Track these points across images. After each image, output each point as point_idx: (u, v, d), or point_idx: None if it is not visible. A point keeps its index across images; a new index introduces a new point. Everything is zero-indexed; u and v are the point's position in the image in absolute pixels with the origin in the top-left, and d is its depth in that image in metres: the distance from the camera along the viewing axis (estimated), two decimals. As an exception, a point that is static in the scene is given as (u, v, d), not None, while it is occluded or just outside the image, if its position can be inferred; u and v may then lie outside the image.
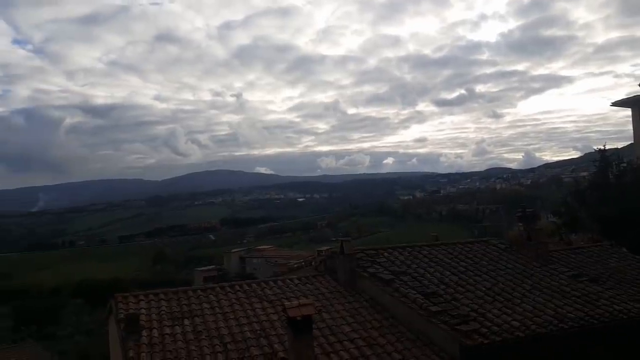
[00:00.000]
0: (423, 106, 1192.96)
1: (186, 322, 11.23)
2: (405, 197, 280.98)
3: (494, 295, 12.43)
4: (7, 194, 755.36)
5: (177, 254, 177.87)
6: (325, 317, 11.81)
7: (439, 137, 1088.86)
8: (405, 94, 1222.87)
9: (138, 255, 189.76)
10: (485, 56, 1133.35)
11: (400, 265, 13.97)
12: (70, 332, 74.15)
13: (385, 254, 14.66)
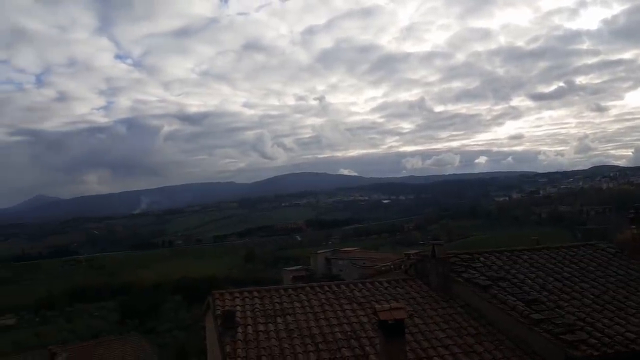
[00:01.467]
0: (518, 101, 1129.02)
1: (279, 320, 11.46)
2: (501, 199, 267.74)
3: (603, 303, 11.43)
4: (113, 197, 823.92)
5: (265, 254, 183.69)
6: (418, 321, 11.53)
7: (536, 133, 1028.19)
8: (497, 89, 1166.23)
9: (231, 254, 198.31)
10: (585, 45, 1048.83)
11: (497, 270, 13.29)
12: (169, 326, 79.01)
13: (481, 258, 14.01)
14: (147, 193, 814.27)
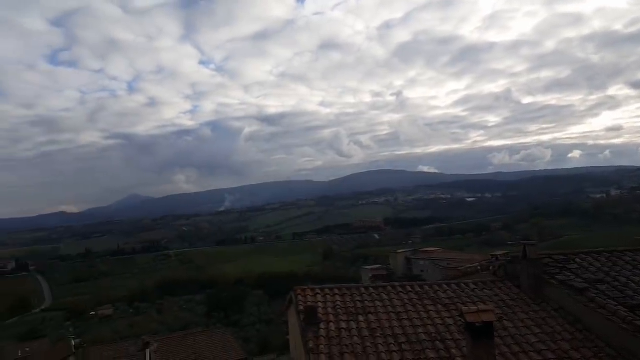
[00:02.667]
0: (616, 90, 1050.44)
1: (360, 318, 11.38)
2: (597, 196, 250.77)
3: None
4: (199, 196, 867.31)
5: (344, 252, 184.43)
6: (507, 325, 10.99)
7: (637, 124, 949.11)
8: (592, 77, 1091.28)
9: (309, 251, 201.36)
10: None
11: (596, 272, 12.33)
12: (252, 320, 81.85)
13: (577, 259, 13.06)
14: (230, 191, 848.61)
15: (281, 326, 53.58)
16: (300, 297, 12.38)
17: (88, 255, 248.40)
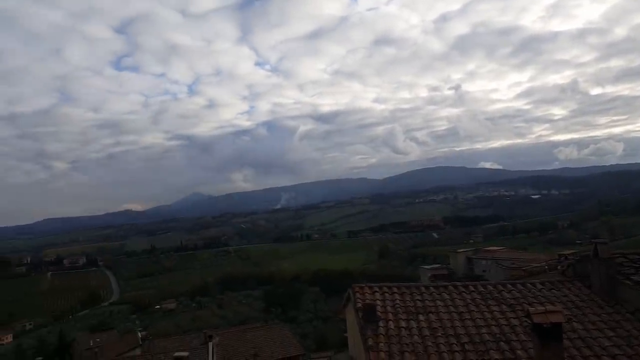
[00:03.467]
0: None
1: (421, 317, 11.19)
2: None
3: None
4: (256, 194, 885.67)
5: (400, 250, 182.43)
6: (577, 327, 10.48)
7: None
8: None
9: (364, 249, 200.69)
10: None
11: (676, 273, 11.49)
12: (309, 317, 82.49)
13: (655, 259, 12.23)
14: (286, 190, 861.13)
15: (338, 323, 53.67)
16: (358, 295, 12.32)
17: (153, 251, 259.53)
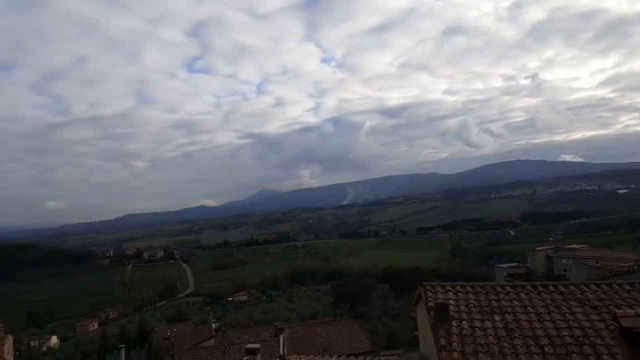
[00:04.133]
0: None
1: (496, 317, 10.79)
2: None
3: None
4: (323, 190, 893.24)
5: (474, 248, 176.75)
6: (674, 333, 9.58)
7: None
8: None
9: (436, 247, 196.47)
10: None
11: None
12: (378, 313, 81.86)
13: None
14: (352, 185, 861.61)
15: (408, 321, 52.90)
16: (429, 293, 12.07)
17: (225, 245, 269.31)
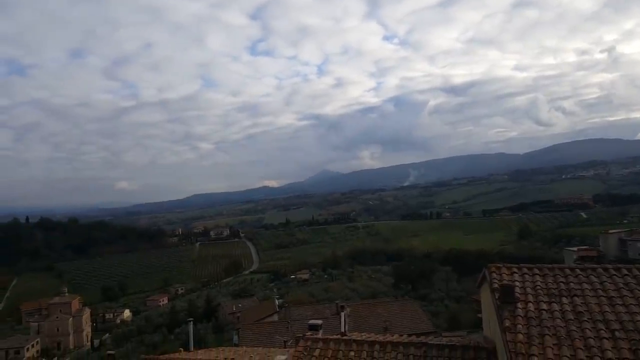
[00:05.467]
0: None
1: (564, 300, 10.43)
2: None
3: None
4: (384, 171, 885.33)
5: (543, 231, 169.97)
6: None
7: None
8: None
9: (501, 229, 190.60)
10: None
11: None
12: (440, 295, 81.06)
13: None
14: (414, 166, 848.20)
15: (471, 304, 52.09)
16: (494, 275, 11.82)
17: (287, 224, 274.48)
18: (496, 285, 11.09)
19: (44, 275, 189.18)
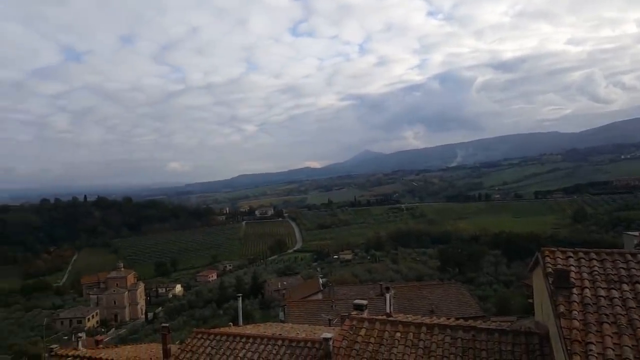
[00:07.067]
0: None
1: (625, 287, 9.90)
2: None
3: None
4: (429, 151, 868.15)
5: (600, 214, 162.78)
6: None
7: None
8: None
9: (555, 212, 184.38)
10: None
11: None
12: (488, 279, 79.56)
13: None
14: (461, 146, 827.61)
15: (521, 288, 50.86)
16: (548, 259, 11.35)
17: (329, 205, 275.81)
18: (550, 270, 10.65)
19: (102, 250, 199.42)
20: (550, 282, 10.27)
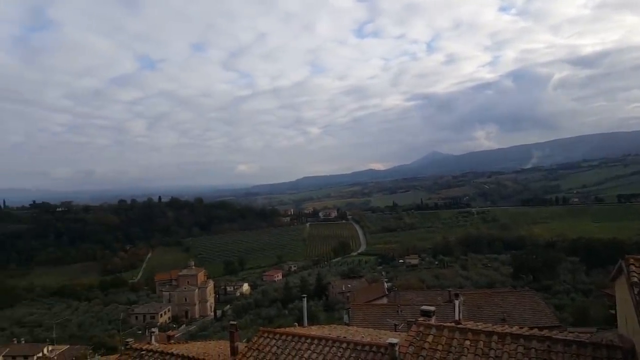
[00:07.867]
0: None
1: None
2: None
3: None
4: (501, 152, 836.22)
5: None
6: None
7: None
8: None
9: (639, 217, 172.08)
10: None
11: None
12: (566, 288, 75.45)
13: None
14: (537, 147, 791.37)
15: (601, 298, 47.75)
16: (633, 267, 10.57)
17: (394, 208, 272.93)
18: (636, 279, 9.91)
19: (174, 249, 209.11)
20: (636, 292, 9.57)
